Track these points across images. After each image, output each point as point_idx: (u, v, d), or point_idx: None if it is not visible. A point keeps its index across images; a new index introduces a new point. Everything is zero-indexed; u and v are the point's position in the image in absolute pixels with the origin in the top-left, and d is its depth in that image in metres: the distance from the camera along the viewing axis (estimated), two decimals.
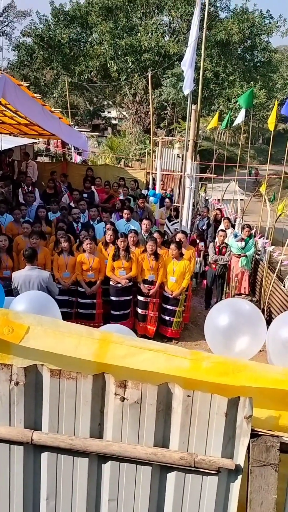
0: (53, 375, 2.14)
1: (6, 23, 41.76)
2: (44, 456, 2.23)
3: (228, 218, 11.61)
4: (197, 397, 2.07)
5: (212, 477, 2.12)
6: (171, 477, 2.18)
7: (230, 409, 2.06)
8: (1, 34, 41.25)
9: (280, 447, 2.08)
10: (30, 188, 11.60)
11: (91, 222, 9.37)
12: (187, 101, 10.12)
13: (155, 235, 8.18)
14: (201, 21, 12.19)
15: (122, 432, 2.16)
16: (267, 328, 2.43)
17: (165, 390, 2.11)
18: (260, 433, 2.10)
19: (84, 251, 7.57)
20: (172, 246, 7.74)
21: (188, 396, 2.07)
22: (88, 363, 2.25)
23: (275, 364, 2.34)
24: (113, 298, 7.65)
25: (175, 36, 31.55)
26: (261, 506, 2.11)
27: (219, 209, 12.67)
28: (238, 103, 20.62)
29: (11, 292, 7.26)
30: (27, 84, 12.28)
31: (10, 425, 2.21)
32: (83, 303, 7.70)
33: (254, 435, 2.09)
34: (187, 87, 9.93)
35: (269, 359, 2.42)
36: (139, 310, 7.85)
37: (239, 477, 2.11)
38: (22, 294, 2.81)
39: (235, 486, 2.13)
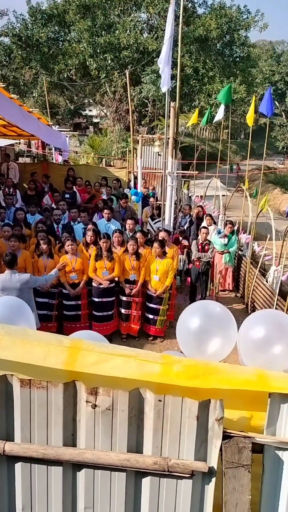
0: (23, 385, 2.12)
1: None
2: (18, 466, 2.20)
3: (210, 215, 11.65)
4: (168, 401, 2.07)
5: (186, 480, 2.12)
6: (145, 482, 2.17)
7: (202, 411, 2.05)
8: None
9: (252, 448, 2.09)
10: (11, 190, 11.50)
11: (72, 223, 9.31)
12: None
13: (138, 234, 8.16)
14: (178, 17, 12.20)
15: (95, 439, 2.15)
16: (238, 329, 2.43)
17: (136, 396, 2.10)
18: (232, 434, 2.10)
19: (66, 252, 7.53)
20: (155, 244, 7.74)
21: (160, 400, 2.07)
22: (60, 371, 2.23)
23: (247, 364, 2.34)
24: (96, 299, 7.63)
25: (153, 32, 31.50)
26: (236, 507, 2.11)
27: (201, 206, 12.71)
28: (218, 99, 20.70)
29: None
30: (4, 85, 12.16)
31: None
32: (68, 305, 7.66)
33: (226, 436, 2.09)
34: (164, 85, 9.91)
35: (240, 360, 2.42)
36: (123, 310, 7.84)
37: (213, 480, 2.11)
38: None
39: (210, 489, 2.13)
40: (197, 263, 9.41)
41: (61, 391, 2.10)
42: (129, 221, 8.86)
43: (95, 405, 2.10)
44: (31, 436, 2.17)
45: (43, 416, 2.15)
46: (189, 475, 2.09)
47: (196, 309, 2.53)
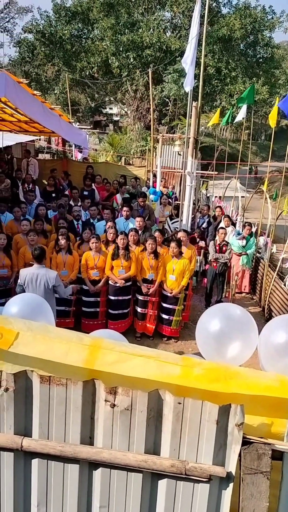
0: (43, 381, 2.12)
1: (7, 20, 41.60)
2: (35, 462, 2.21)
3: (228, 216, 11.57)
4: (188, 404, 2.05)
5: (204, 484, 2.10)
6: (162, 484, 2.16)
7: (221, 416, 2.03)
8: (2, 30, 41.06)
9: (272, 454, 2.06)
10: (30, 186, 11.56)
11: (92, 220, 9.33)
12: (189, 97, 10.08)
13: (156, 234, 8.14)
14: (202, 17, 12.13)
15: (112, 439, 2.14)
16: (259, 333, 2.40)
17: (155, 397, 2.08)
18: (251, 440, 2.07)
19: (90, 249, 7.55)
20: (173, 244, 7.71)
21: (179, 403, 2.05)
22: (79, 369, 2.22)
23: (267, 369, 2.31)
24: (112, 297, 7.63)
25: (176, 32, 31.37)
26: None
27: (219, 207, 12.63)
28: (238, 103, 20.54)
29: (9, 291, 7.26)
30: (27, 81, 12.25)
31: (0, 432, 2.19)
32: (87, 301, 7.68)
33: (245, 442, 2.06)
34: (188, 84, 9.87)
35: (261, 365, 2.39)
36: (138, 309, 7.82)
37: (231, 485, 2.09)
38: (15, 297, 2.78)
39: (227, 494, 2.11)
40: (214, 264, 9.34)
41: (80, 389, 2.10)
42: (138, 219, 8.81)
43: (114, 405, 2.09)
44: (49, 433, 2.17)
45: (62, 413, 2.15)
46: (207, 479, 2.07)
47: (217, 312, 2.50)
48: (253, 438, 2.07)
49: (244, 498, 2.09)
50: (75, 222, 9.19)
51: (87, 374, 2.18)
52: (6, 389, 2.13)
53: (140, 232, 8.59)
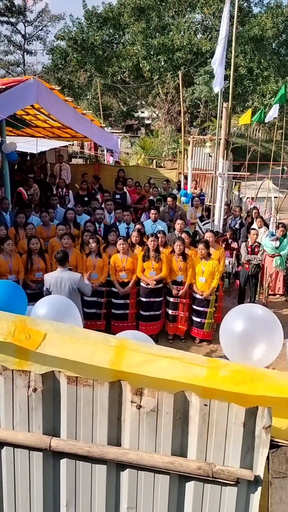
0: (70, 382, 2.14)
1: (40, 28, 42.41)
2: (63, 462, 2.24)
3: (261, 217, 11.41)
4: (214, 406, 2.03)
5: (231, 487, 2.08)
6: (189, 486, 2.14)
7: (248, 418, 2.00)
8: (36, 38, 41.91)
9: None
10: (64, 191, 11.72)
11: (118, 223, 9.38)
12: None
13: (183, 235, 8.13)
14: (233, 17, 12.05)
15: (139, 440, 2.15)
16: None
17: (181, 399, 2.08)
18: (280, 443, 2.03)
19: (117, 251, 7.60)
20: (200, 246, 7.67)
21: (205, 405, 2.03)
22: (106, 370, 2.24)
23: None
24: (143, 299, 7.65)
25: (207, 33, 31.25)
26: None
27: (256, 208, 12.47)
28: (273, 99, 20.25)
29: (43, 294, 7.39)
30: (59, 88, 12.45)
31: (29, 431, 2.23)
32: (116, 304, 7.73)
33: (273, 445, 2.03)
34: (217, 85, 9.84)
35: None
36: (169, 311, 7.82)
37: (259, 489, 2.06)
38: (43, 299, 2.84)
39: (255, 498, 2.07)
40: (247, 266, 9.23)
41: (107, 390, 2.12)
42: (179, 221, 8.80)
43: (140, 406, 2.10)
44: (77, 433, 2.20)
45: (89, 414, 2.17)
46: (234, 483, 2.05)
47: (240, 312, 2.47)
48: (281, 441, 2.03)
49: (273, 502, 2.06)
50: (97, 225, 9.20)
51: (113, 375, 2.19)
52: (35, 390, 2.17)
53: (179, 234, 8.54)
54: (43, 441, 2.19)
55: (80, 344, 2.21)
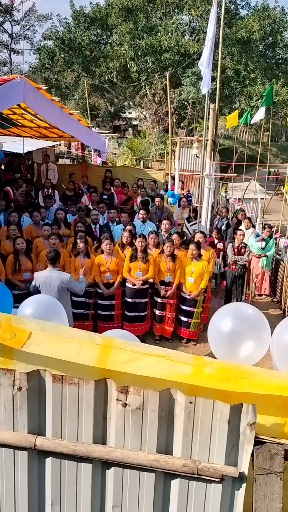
0: (56, 380, 2.14)
1: (27, 27, 42.27)
2: (48, 461, 2.23)
3: (249, 218, 11.49)
4: (199, 404, 2.04)
5: (216, 484, 2.09)
6: (174, 484, 2.15)
7: (233, 416, 2.02)
8: (22, 38, 41.74)
9: (285, 455, 2.04)
10: (50, 191, 11.68)
11: (110, 224, 9.37)
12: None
13: (174, 236, 8.13)
14: (220, 19, 12.12)
15: (124, 438, 2.15)
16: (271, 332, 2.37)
17: (167, 396, 2.08)
18: (264, 440, 2.05)
19: (102, 252, 7.58)
20: (192, 246, 7.69)
21: (190, 402, 2.04)
22: (91, 368, 2.24)
23: (280, 369, 2.29)
24: (129, 300, 7.64)
25: (195, 35, 31.42)
26: None
27: (243, 210, 12.54)
28: (260, 101, 20.39)
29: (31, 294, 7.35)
30: (46, 87, 12.40)
31: (14, 430, 2.21)
32: (102, 304, 7.71)
33: (258, 442, 2.05)
34: (204, 86, 9.88)
35: (274, 365, 2.37)
36: (156, 312, 7.82)
37: (244, 485, 2.07)
38: (29, 299, 2.82)
39: (240, 494, 2.09)
40: (233, 267, 9.28)
41: (92, 388, 2.11)
42: (164, 221, 8.82)
43: (126, 404, 2.10)
44: (62, 432, 2.19)
45: (74, 412, 2.16)
46: (219, 480, 2.06)
47: (228, 311, 2.49)
48: (265, 438, 2.05)
49: (257, 498, 2.08)
50: (93, 226, 9.25)
51: (99, 373, 2.19)
52: (20, 388, 2.15)
53: (166, 234, 8.58)
54: (28, 440, 2.18)
55: (66, 343, 2.21)
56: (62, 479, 2.23)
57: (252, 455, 2.05)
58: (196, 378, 2.12)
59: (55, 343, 2.21)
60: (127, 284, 7.63)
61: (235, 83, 30.10)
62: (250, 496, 2.10)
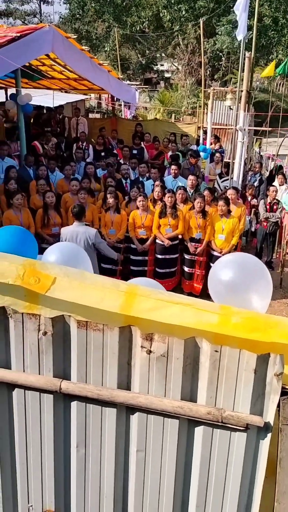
0: (80, 326, 2.13)
1: None
2: (73, 405, 2.25)
3: (283, 174, 11.11)
4: (225, 352, 2.00)
5: (240, 433, 2.07)
6: (198, 431, 2.14)
7: (260, 365, 1.97)
8: None
9: None
10: (84, 144, 11.53)
11: (140, 178, 9.24)
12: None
13: (205, 192, 7.97)
14: None
15: (149, 385, 2.14)
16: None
17: (192, 344, 2.04)
18: None
19: (137, 208, 7.51)
20: (221, 202, 7.53)
21: (216, 351, 2.00)
22: (116, 315, 2.21)
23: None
24: (159, 256, 7.61)
25: None
26: None
27: (281, 167, 12.13)
28: None
29: None
30: (75, 36, 12.04)
31: (39, 374, 2.24)
32: (135, 260, 7.71)
33: (284, 393, 2.00)
34: (240, 33, 9.40)
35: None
36: (186, 268, 7.78)
37: (269, 435, 2.04)
38: (53, 245, 2.80)
39: (265, 444, 2.07)
40: (265, 224, 9.07)
41: (117, 335, 2.09)
42: (191, 177, 8.63)
43: (150, 351, 2.08)
44: (87, 377, 2.20)
45: (99, 358, 2.16)
46: (244, 428, 2.04)
47: (229, 261, 2.40)
48: None
49: (282, 449, 2.05)
50: (123, 181, 9.14)
51: (124, 320, 2.16)
52: (45, 333, 2.16)
53: (191, 190, 8.43)
54: (53, 384, 2.20)
55: (90, 289, 2.18)
56: (87, 422, 2.26)
57: (278, 406, 2.01)
58: (222, 327, 2.07)
59: (78, 289, 2.18)
60: (157, 241, 7.58)
61: (273, 32, 28.55)
62: (275, 446, 2.07)
